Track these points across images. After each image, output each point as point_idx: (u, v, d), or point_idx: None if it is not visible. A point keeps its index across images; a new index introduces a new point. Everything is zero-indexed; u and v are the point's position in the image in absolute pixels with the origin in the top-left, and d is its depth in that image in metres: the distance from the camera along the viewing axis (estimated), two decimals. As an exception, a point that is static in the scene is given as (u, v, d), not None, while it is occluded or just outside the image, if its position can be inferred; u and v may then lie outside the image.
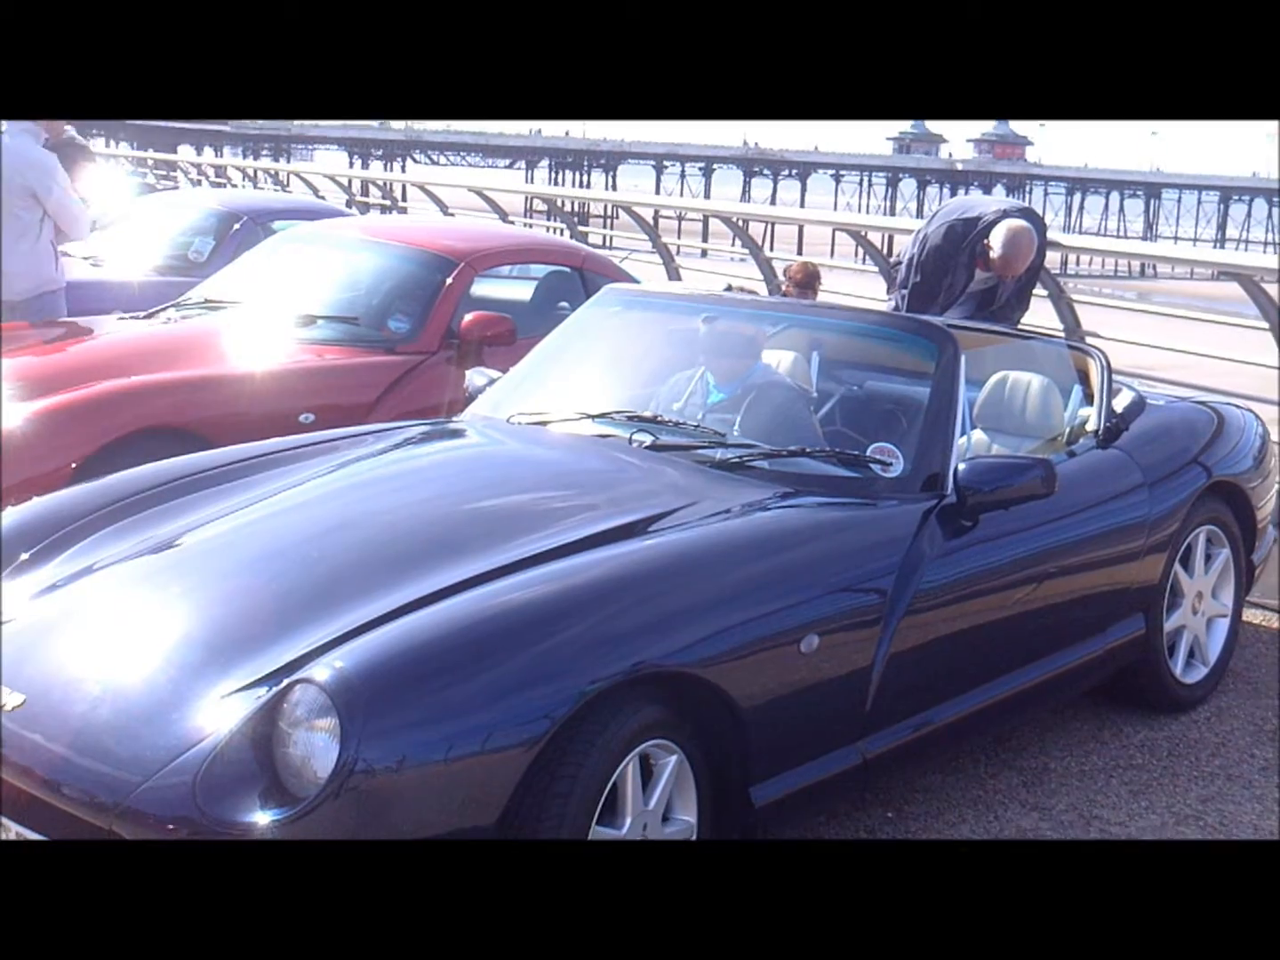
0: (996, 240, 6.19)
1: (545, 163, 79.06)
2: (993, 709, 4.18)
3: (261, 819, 2.77)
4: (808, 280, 7.89)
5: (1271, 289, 6.84)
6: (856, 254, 13.72)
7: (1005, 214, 6.31)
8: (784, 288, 8.27)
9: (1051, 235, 6.86)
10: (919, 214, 57.32)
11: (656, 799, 3.22)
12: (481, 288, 6.81)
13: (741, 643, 3.36)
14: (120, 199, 11.39)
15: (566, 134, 76.92)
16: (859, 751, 3.69)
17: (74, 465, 5.08)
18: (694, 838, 3.33)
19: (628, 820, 3.14)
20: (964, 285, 6.41)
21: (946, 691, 4.00)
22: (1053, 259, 7.51)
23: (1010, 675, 4.23)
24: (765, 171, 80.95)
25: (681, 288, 7.15)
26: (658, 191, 67.24)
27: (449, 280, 6.43)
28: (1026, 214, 6.48)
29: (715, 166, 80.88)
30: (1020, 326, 6.38)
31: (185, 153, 40.21)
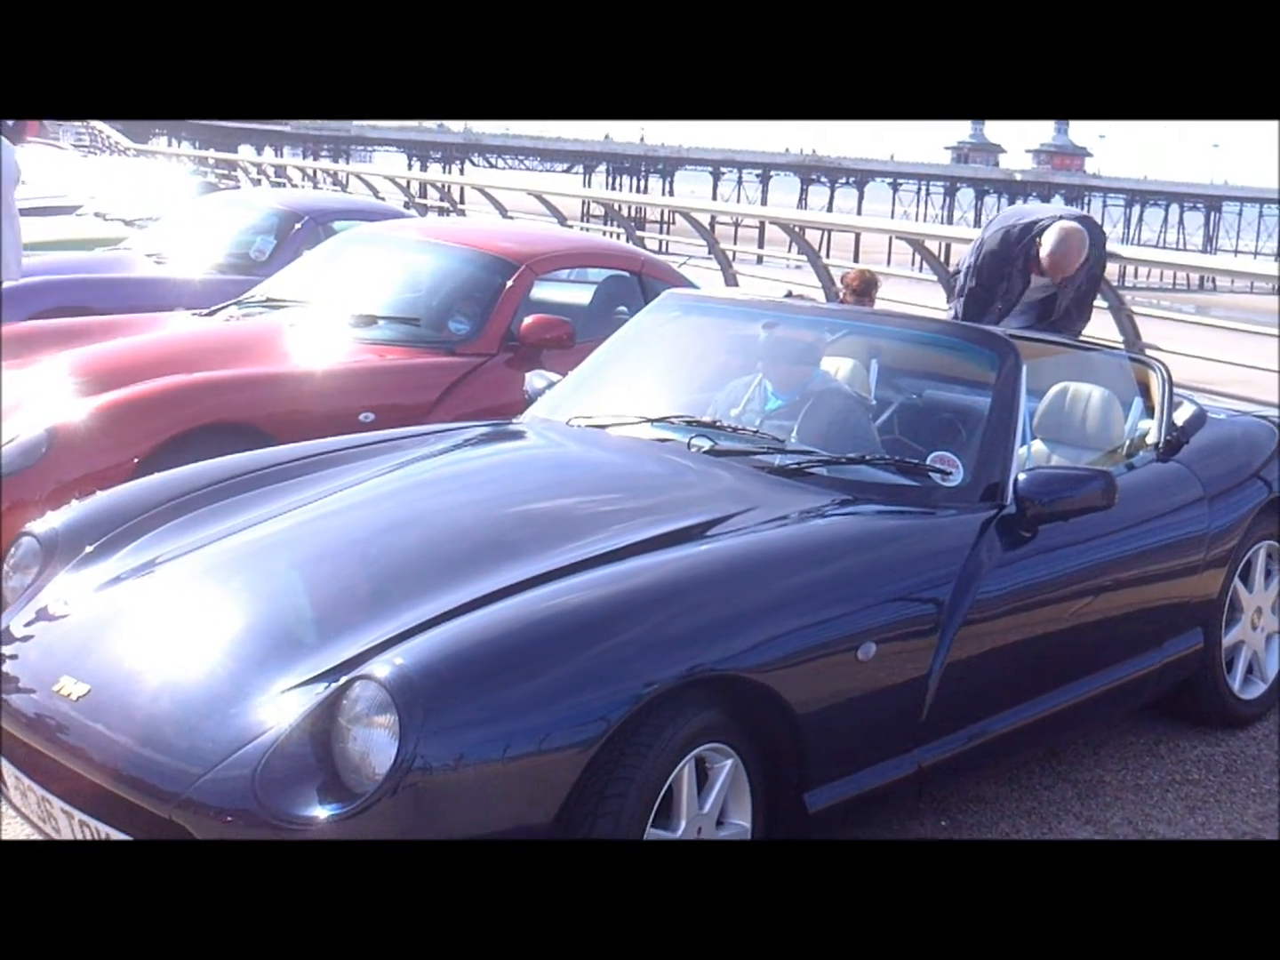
0: (1047, 240, 6.18)
1: (603, 168, 79.17)
2: (1048, 721, 4.16)
3: (320, 813, 2.79)
4: (865, 288, 7.87)
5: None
6: (913, 262, 13.68)
7: (1060, 219, 6.30)
8: (841, 295, 8.26)
9: (1110, 247, 6.82)
10: (976, 224, 57.03)
11: (711, 803, 3.22)
12: (540, 291, 6.83)
13: (799, 649, 3.36)
14: (182, 197, 11.53)
15: (641, 139, 76.87)
16: (914, 760, 3.69)
17: (136, 460, 5.12)
18: (747, 843, 3.33)
19: (682, 823, 3.14)
20: (1020, 291, 6.40)
21: (1003, 702, 3.99)
22: (1111, 271, 7.48)
23: (1067, 687, 4.21)
24: (822, 179, 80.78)
25: (740, 293, 7.16)
26: (714, 197, 67.20)
27: (509, 283, 6.45)
28: (1083, 220, 6.46)
29: (772, 173, 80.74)
30: (1081, 338, 6.35)
31: (245, 153, 40.52)
